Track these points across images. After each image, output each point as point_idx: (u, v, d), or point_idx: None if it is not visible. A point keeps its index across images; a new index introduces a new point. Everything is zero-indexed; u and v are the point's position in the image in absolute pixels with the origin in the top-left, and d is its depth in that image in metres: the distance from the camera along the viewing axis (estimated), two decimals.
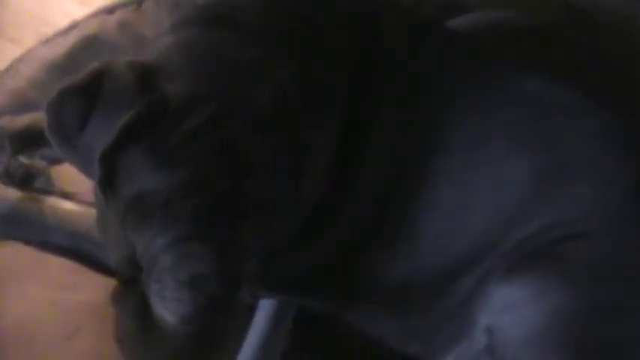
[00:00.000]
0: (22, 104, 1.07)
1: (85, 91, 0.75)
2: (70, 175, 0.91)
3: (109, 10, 1.20)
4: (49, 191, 0.94)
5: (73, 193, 0.94)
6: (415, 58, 0.90)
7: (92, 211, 0.89)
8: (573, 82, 0.90)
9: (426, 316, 0.93)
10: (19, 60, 1.18)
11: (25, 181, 0.95)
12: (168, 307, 0.74)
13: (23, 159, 0.97)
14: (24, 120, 1.02)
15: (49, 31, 1.29)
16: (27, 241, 0.91)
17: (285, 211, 0.81)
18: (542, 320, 0.84)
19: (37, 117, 0.89)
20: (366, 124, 0.88)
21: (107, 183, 0.74)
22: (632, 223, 0.84)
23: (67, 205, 0.94)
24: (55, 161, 0.95)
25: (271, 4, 0.87)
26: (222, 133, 0.73)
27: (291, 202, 0.80)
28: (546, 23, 0.91)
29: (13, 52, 1.23)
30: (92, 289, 0.91)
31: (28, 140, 0.98)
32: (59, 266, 0.92)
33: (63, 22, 1.30)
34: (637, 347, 0.82)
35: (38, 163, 0.95)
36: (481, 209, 0.87)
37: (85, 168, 0.76)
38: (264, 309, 0.92)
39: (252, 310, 0.91)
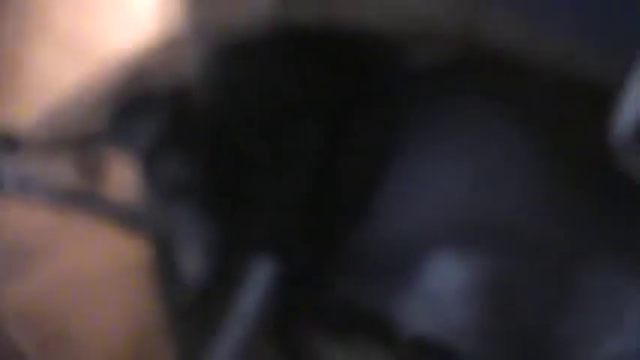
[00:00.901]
0: None
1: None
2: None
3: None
4: None
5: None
6: (398, 83, 1.15)
7: None
8: (511, 110, 1.13)
9: (390, 283, 1.17)
10: None
11: None
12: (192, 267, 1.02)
13: None
14: None
15: None
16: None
17: (281, 202, 1.06)
18: (468, 282, 1.08)
19: None
20: (355, 134, 1.12)
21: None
22: (542, 217, 1.06)
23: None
24: None
25: (283, 34, 1.13)
26: (232, 138, 0.99)
27: (286, 196, 1.06)
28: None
29: None
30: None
31: None
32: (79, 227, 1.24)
33: None
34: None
35: None
36: (429, 205, 1.11)
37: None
38: (262, 274, 1.17)
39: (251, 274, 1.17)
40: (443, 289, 1.12)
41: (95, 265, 1.12)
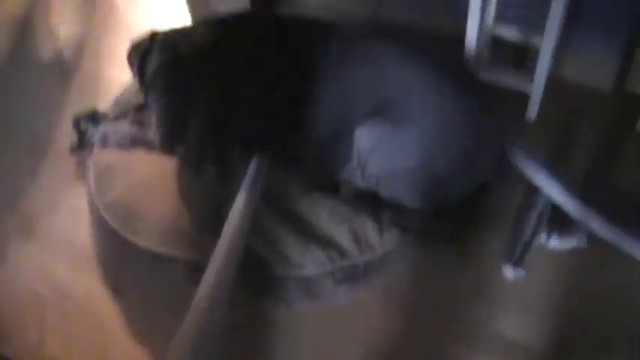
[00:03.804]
0: None
1: (143, 50, 1.73)
2: None
3: None
4: None
5: None
6: (335, 39, 1.78)
7: None
8: (399, 48, 1.74)
9: (331, 151, 1.74)
10: None
11: None
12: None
13: None
14: None
15: None
16: None
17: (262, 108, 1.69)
18: (374, 139, 1.64)
19: None
20: (287, 72, 1.74)
21: (147, 95, 1.67)
22: (419, 95, 1.64)
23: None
24: None
25: (248, 20, 1.80)
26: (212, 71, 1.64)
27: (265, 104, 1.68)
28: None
29: None
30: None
31: None
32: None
33: None
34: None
35: None
36: (351, 97, 1.70)
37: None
38: (255, 159, 1.74)
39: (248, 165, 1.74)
40: (363, 149, 1.71)
41: (150, 174, 1.75)
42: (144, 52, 1.73)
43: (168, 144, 1.71)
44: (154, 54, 1.69)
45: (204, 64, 1.68)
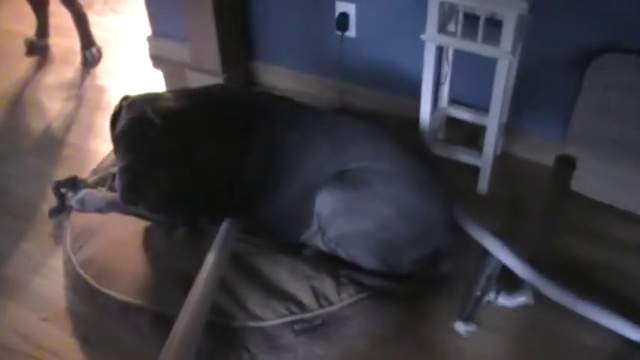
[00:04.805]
0: None
1: (115, 112, 1.87)
2: None
3: None
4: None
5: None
6: (275, 110, 1.96)
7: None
8: (361, 123, 1.93)
9: (294, 219, 1.88)
10: None
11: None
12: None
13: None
14: None
15: None
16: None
17: (232, 189, 1.86)
18: (334, 204, 1.77)
19: None
20: (253, 143, 1.89)
21: (115, 153, 1.81)
22: (367, 163, 1.79)
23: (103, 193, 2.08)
24: None
25: (217, 91, 1.97)
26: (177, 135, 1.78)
27: (235, 186, 1.84)
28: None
29: None
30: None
31: None
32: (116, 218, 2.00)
33: None
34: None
35: None
36: (314, 166, 1.84)
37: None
38: (224, 225, 1.87)
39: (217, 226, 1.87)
40: (323, 214, 1.83)
41: (124, 234, 1.88)
42: (114, 113, 1.89)
43: (128, 198, 1.78)
44: (122, 115, 1.84)
45: (170, 127, 1.78)
